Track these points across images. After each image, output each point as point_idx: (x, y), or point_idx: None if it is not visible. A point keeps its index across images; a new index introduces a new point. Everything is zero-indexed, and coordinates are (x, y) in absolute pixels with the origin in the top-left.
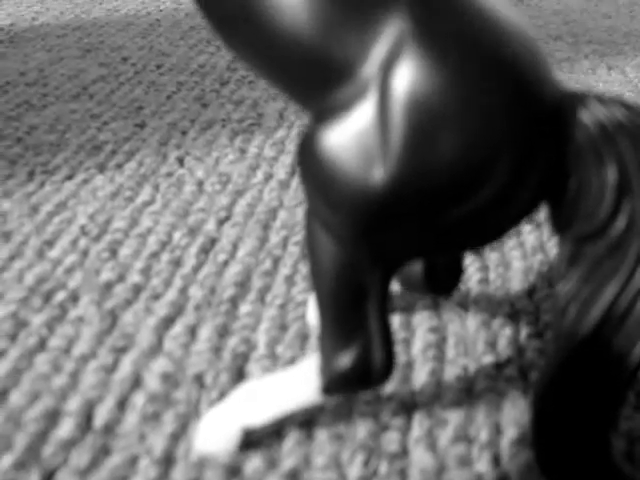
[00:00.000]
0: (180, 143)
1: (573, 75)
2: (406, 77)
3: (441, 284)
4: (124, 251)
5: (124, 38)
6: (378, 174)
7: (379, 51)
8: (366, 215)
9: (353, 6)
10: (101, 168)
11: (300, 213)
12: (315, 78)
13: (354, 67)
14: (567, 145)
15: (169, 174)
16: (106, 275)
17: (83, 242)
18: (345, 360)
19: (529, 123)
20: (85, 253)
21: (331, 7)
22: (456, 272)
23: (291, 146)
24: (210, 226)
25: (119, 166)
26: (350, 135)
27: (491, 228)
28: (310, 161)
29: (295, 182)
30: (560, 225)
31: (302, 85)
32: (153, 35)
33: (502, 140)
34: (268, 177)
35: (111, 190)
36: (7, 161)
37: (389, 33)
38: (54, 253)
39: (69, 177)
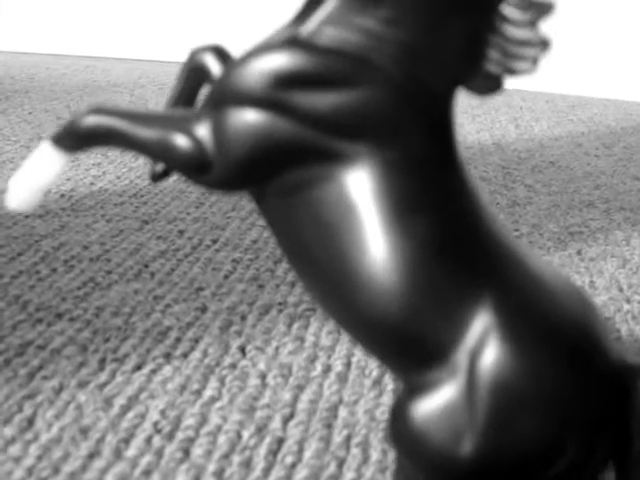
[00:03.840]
0: (240, 330)
1: (608, 247)
2: (491, 365)
3: None
4: (196, 451)
5: (179, 208)
6: (464, 447)
7: (468, 340)
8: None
9: (443, 297)
10: (168, 357)
11: (359, 411)
12: (408, 356)
13: (445, 352)
14: (630, 413)
15: (232, 365)
16: (181, 478)
17: (157, 440)
18: None
19: (598, 404)
20: (160, 454)
21: (424, 299)
22: None
23: (345, 335)
24: (276, 424)
25: (184, 355)
26: (440, 411)
27: None
28: (401, 428)
29: (352, 375)
30: None
31: (394, 358)
32: (206, 205)
33: (575, 423)
34: (326, 369)
35: (179, 382)
36: (78, 346)
37: (477, 324)
38: (130, 452)
39: (138, 367)
